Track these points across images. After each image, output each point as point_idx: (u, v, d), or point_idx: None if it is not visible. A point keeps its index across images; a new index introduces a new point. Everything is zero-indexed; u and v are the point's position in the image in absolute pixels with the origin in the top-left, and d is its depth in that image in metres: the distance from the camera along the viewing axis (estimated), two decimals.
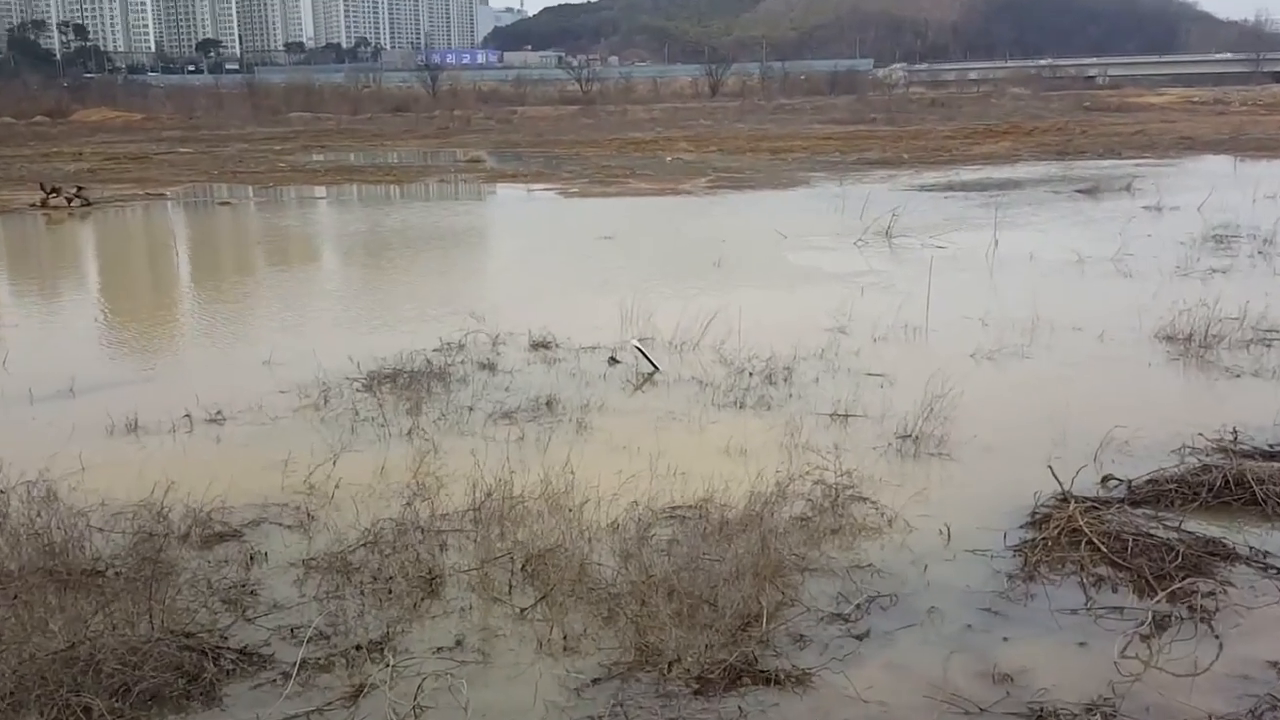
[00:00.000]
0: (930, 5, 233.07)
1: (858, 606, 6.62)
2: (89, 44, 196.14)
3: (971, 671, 5.95)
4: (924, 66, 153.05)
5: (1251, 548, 7.29)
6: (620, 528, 7.64)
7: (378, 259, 21.58)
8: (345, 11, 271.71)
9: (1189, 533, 7.46)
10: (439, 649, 6.21)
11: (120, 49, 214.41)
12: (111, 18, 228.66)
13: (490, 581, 7.00)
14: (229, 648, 6.14)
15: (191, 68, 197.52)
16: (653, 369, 12.16)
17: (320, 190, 35.76)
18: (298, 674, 5.90)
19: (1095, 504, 7.92)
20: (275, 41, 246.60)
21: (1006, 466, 9.04)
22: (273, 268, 21.37)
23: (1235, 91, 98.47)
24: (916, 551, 7.40)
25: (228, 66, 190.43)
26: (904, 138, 53.06)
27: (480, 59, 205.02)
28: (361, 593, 6.84)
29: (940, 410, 9.85)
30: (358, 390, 11.42)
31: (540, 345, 13.18)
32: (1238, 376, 11.53)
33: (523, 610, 6.62)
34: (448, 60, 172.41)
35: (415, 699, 5.68)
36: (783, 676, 5.84)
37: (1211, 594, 6.67)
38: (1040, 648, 6.18)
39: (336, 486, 8.52)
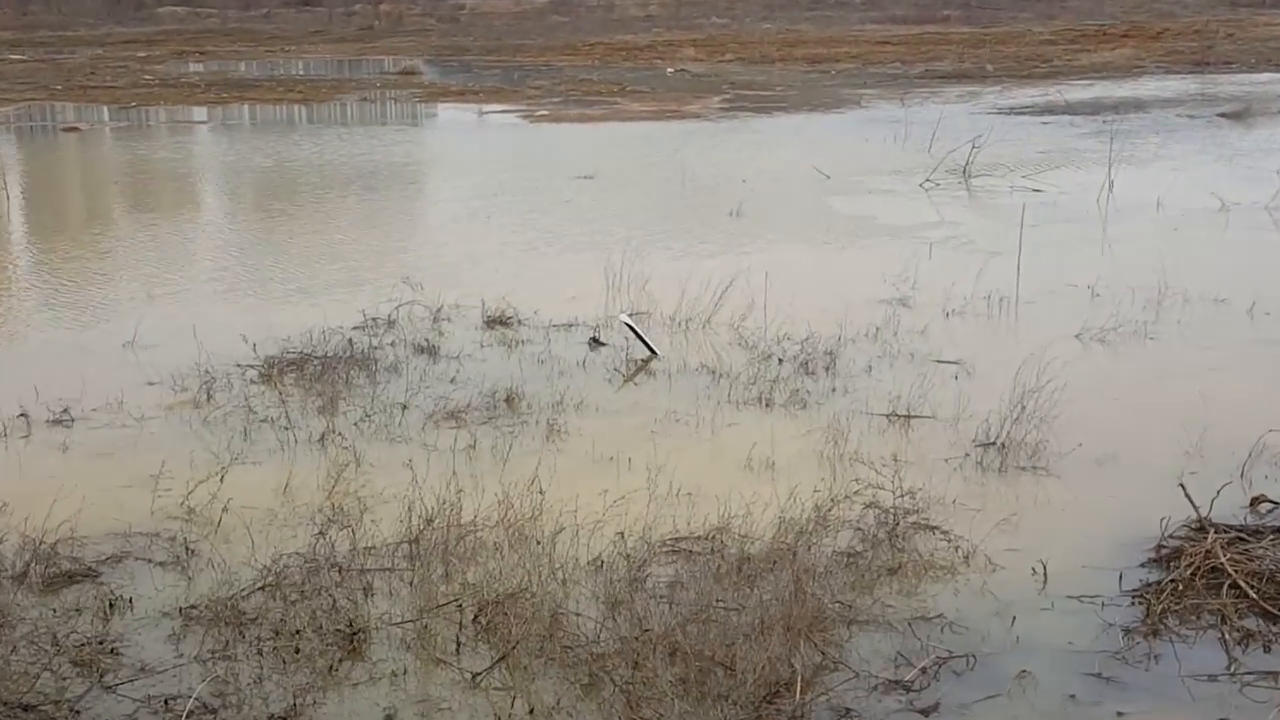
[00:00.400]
0: None
1: (923, 671, 6.61)
2: None
3: None
4: None
5: None
6: (606, 566, 7.66)
7: (279, 206, 21.54)
8: None
9: None
10: None
11: None
12: None
13: (431, 637, 7.00)
14: None
15: None
16: (649, 353, 12.19)
17: (200, 112, 35.69)
18: None
19: (1242, 534, 7.94)
20: None
21: (1123, 485, 9.07)
22: (137, 216, 21.28)
23: None
24: (1002, 598, 7.41)
25: None
26: (987, 42, 53.08)
27: None
28: (259, 652, 6.84)
29: (1035, 410, 9.85)
30: (252, 381, 11.43)
31: (497, 321, 13.22)
32: None
33: (475, 676, 6.62)
34: None
35: None
36: None
37: None
38: None
39: (224, 510, 8.52)
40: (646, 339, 12.31)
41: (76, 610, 7.32)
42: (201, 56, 54.03)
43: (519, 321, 13.25)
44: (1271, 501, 8.57)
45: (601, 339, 12.68)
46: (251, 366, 11.75)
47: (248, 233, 19.52)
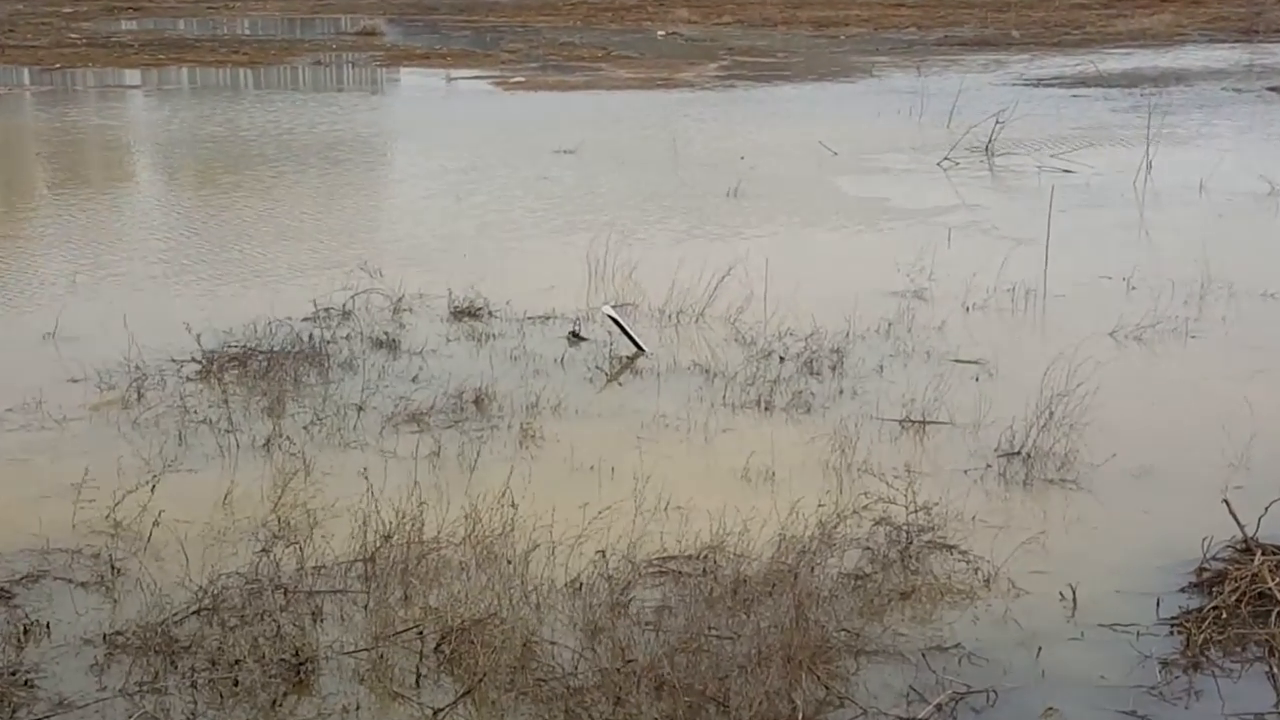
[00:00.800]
0: None
1: (939, 708, 6.59)
2: None
3: None
4: None
5: None
6: (585, 589, 7.66)
7: (220, 181, 21.44)
8: None
9: None
10: None
11: None
12: None
13: (388, 668, 6.98)
14: None
15: None
16: (635, 350, 12.19)
17: (133, 75, 35.54)
18: None
19: None
20: None
21: (1161, 500, 9.10)
22: (61, 191, 21.20)
23: None
24: (1026, 626, 7.42)
25: None
26: (1013, 6, 53.09)
27: None
28: (193, 685, 6.79)
29: (1064, 416, 9.88)
30: (189, 378, 11.39)
31: (465, 313, 13.23)
32: None
33: (437, 712, 6.59)
34: None
35: None
36: None
37: None
38: None
39: (156, 524, 8.45)
40: (632, 334, 12.29)
41: None
42: (135, 13, 53.79)
43: (490, 313, 13.23)
44: None
45: (582, 333, 12.68)
46: (188, 361, 11.67)
47: (184, 211, 19.46)
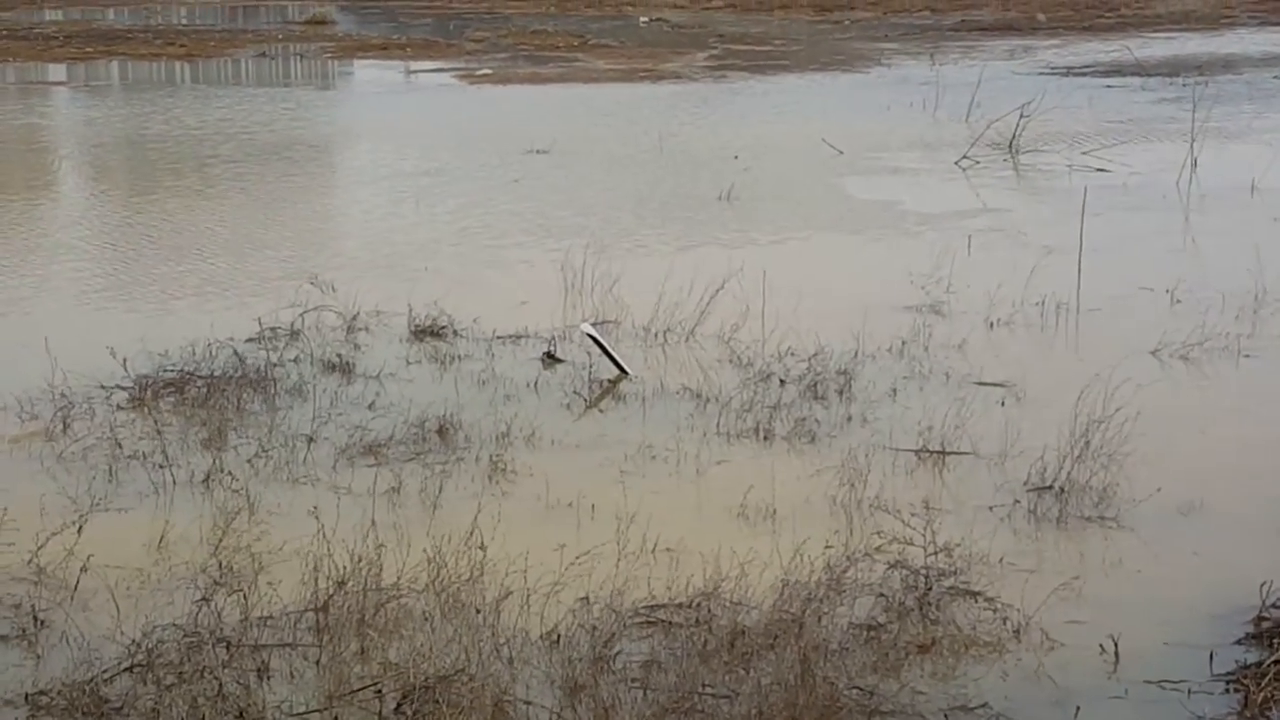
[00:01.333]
0: None
1: None
2: None
3: None
4: None
5: None
6: (564, 641, 7.63)
7: (155, 188, 21.38)
8: None
9: None
10: None
11: None
12: None
13: None
14: None
15: None
16: (618, 372, 12.21)
17: (58, 70, 35.54)
18: None
19: None
20: None
21: (1212, 540, 9.07)
22: None
23: None
24: (1062, 683, 7.38)
25: None
26: None
27: None
28: None
29: (1101, 445, 9.87)
30: (120, 407, 11.41)
31: (428, 332, 13.25)
32: None
33: None
34: None
35: None
36: None
37: None
38: None
39: (84, 570, 8.41)
40: (615, 354, 12.29)
41: None
42: (60, 2, 53.85)
43: (455, 332, 13.25)
44: None
45: (558, 354, 12.70)
46: (119, 388, 11.67)
47: (116, 221, 19.41)
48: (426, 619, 7.85)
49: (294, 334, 13.19)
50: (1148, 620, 8.00)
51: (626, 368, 12.23)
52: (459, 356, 12.71)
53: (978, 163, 21.42)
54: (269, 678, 7.39)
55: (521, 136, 24.05)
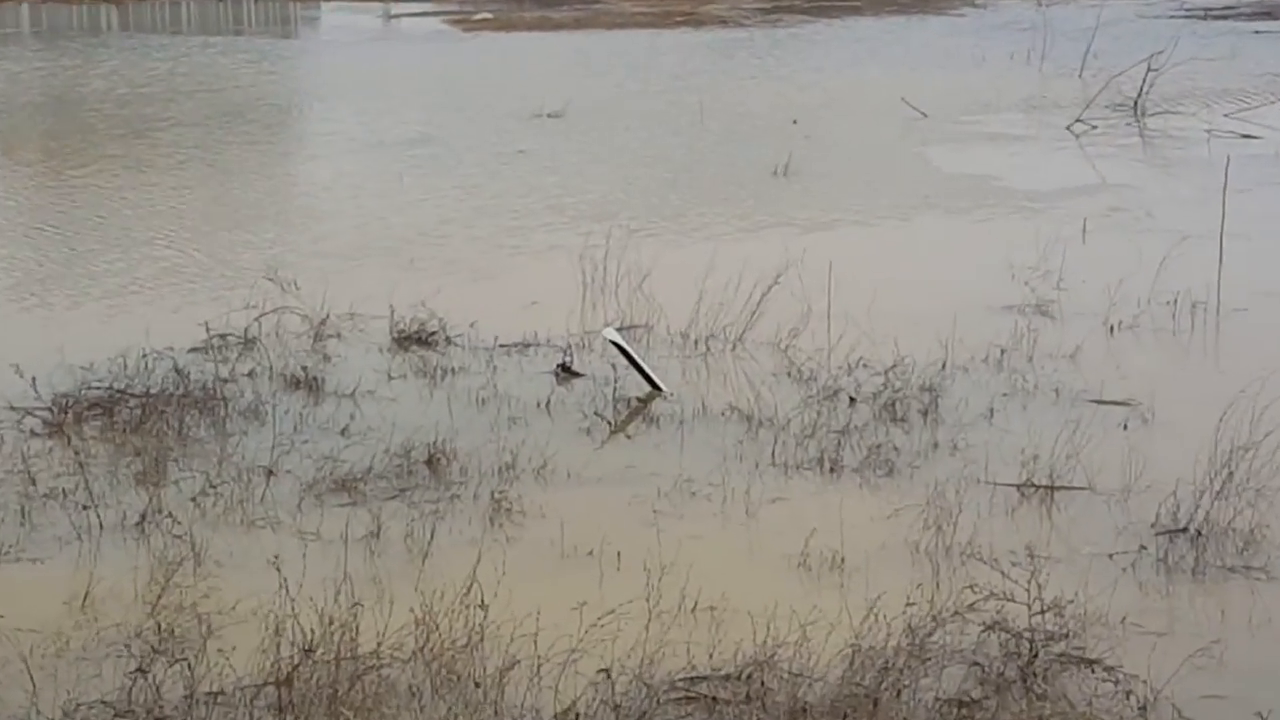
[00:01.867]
0: None
1: None
2: None
3: None
4: None
5: None
6: None
7: (78, 162, 21.52)
8: None
9: None
10: None
11: None
12: None
13: None
14: None
15: None
16: (649, 389, 12.16)
17: None
18: None
19: None
20: None
21: None
22: None
23: None
24: None
25: None
26: None
27: None
28: None
29: (1247, 479, 9.76)
30: (34, 433, 11.34)
31: (414, 340, 13.29)
32: None
33: None
34: None
35: None
36: None
37: None
38: None
39: None
40: (645, 366, 12.20)
41: None
42: None
43: (447, 339, 13.29)
44: None
45: (575, 367, 12.64)
46: (32, 412, 11.54)
47: (29, 201, 19.65)
48: (414, 695, 7.65)
49: (248, 342, 13.23)
50: None
51: (660, 383, 12.09)
52: (453, 369, 12.67)
53: (1094, 127, 21.68)
54: None
55: (529, 97, 24.42)
